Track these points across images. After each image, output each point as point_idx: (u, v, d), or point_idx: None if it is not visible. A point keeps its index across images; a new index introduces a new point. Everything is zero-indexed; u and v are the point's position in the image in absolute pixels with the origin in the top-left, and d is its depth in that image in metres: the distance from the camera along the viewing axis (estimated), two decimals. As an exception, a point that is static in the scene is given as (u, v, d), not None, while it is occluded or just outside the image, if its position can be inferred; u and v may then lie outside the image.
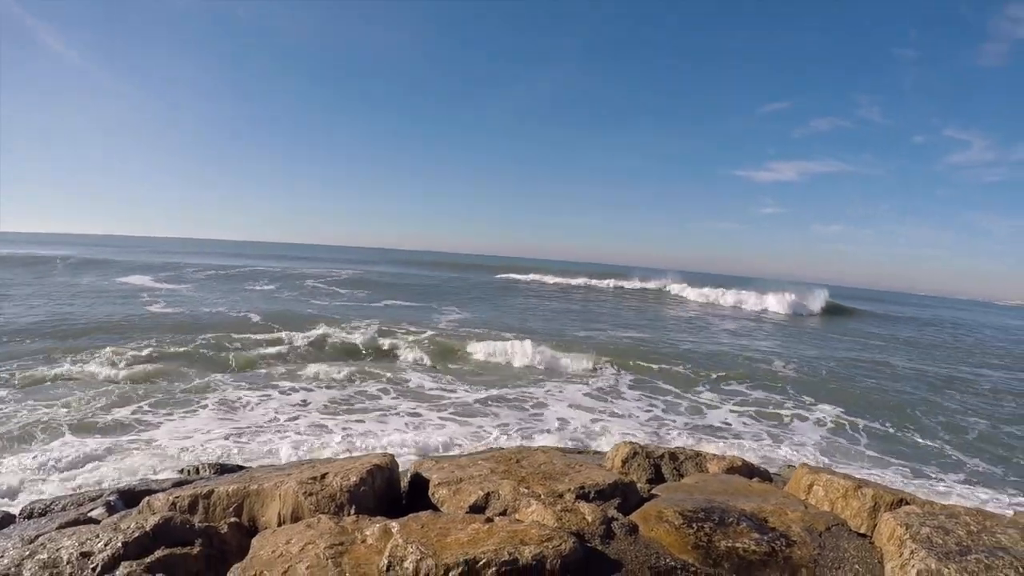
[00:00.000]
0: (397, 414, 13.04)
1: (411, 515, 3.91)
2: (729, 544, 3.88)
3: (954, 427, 15.11)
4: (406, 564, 3.23)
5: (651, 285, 59.45)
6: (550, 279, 62.35)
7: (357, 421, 12.30)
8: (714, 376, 18.54)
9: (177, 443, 10.21)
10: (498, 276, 62.84)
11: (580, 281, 61.97)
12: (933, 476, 11.48)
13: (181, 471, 8.19)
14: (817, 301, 47.45)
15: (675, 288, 56.69)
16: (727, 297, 50.54)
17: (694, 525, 4.06)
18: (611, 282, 60.73)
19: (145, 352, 16.40)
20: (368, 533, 3.64)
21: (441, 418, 12.96)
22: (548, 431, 12.44)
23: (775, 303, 46.98)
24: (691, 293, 53.83)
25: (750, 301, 48.61)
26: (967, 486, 11.09)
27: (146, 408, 12.15)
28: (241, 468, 8.09)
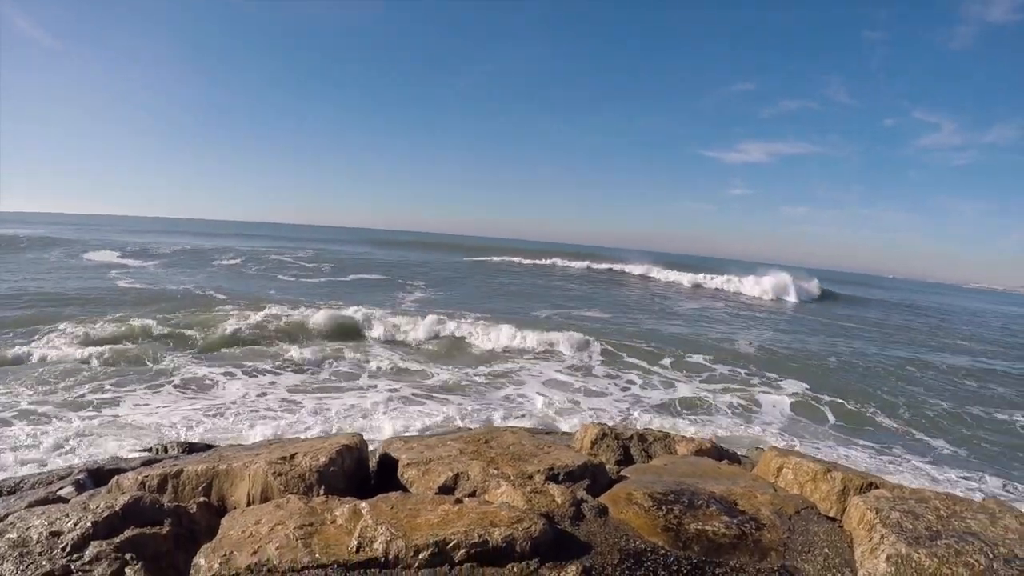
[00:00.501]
0: (363, 391, 13.07)
1: (381, 496, 3.89)
2: (699, 527, 3.90)
3: (917, 406, 15.39)
4: (376, 545, 3.22)
5: (623, 267, 58.80)
6: (519, 259, 61.46)
7: (324, 398, 12.29)
8: (680, 354, 18.74)
9: (144, 420, 10.14)
10: (467, 258, 61.82)
11: (550, 261, 61.17)
12: (897, 455, 11.71)
13: (149, 449, 8.12)
14: (787, 285, 47.57)
15: (637, 270, 56.69)
16: (695, 279, 50.78)
17: (663, 507, 4.07)
18: (585, 263, 59.76)
19: (110, 329, 16.20)
20: (338, 513, 3.61)
21: (413, 395, 13.00)
22: (513, 408, 12.54)
23: (748, 286, 47.38)
24: (660, 275, 53.88)
25: (721, 284, 49.11)
26: (931, 464, 11.34)
27: (108, 387, 12.04)
28: (210, 447, 8.04)
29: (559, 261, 61.39)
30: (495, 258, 62.52)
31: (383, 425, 10.61)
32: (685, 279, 51.21)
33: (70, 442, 8.91)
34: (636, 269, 57.14)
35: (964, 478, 10.63)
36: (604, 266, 59.54)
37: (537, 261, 61.01)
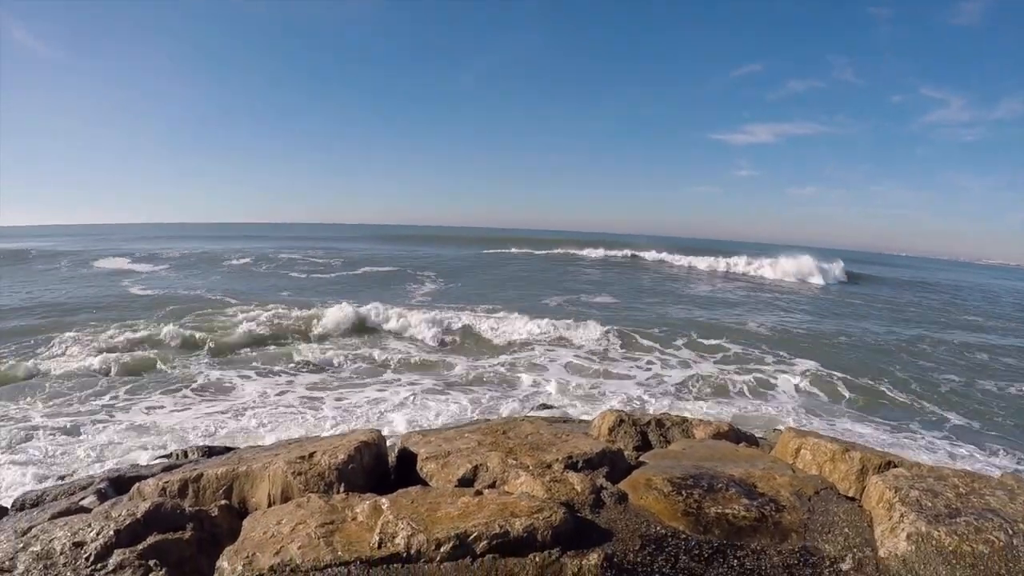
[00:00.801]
0: (383, 386, 13.10)
1: (400, 490, 3.91)
2: (719, 510, 3.90)
3: (929, 382, 15.35)
4: (397, 540, 3.23)
5: (635, 253, 57.98)
6: (529, 249, 60.23)
7: (344, 396, 12.32)
8: (695, 336, 18.89)
9: (164, 424, 10.19)
10: (480, 250, 60.52)
11: (559, 251, 59.54)
12: (913, 430, 11.68)
13: (169, 455, 8.17)
14: (813, 268, 46.73)
15: (650, 256, 56.26)
16: (717, 263, 50.12)
17: (683, 492, 4.07)
18: (600, 251, 58.50)
19: (125, 335, 16.24)
20: (358, 510, 3.63)
21: (433, 387, 13.05)
22: (532, 395, 12.59)
23: (774, 270, 46.79)
24: (679, 259, 53.29)
25: (744, 267, 48.56)
26: (945, 438, 11.33)
27: (124, 394, 12.09)
28: (229, 449, 8.08)
29: (574, 250, 60.09)
30: (512, 249, 61.41)
31: (403, 419, 10.63)
32: (703, 263, 50.65)
33: (91, 453, 8.94)
34: (652, 255, 56.50)
35: (979, 452, 10.60)
36: (623, 252, 58.65)
37: (551, 251, 59.87)
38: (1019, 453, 10.73)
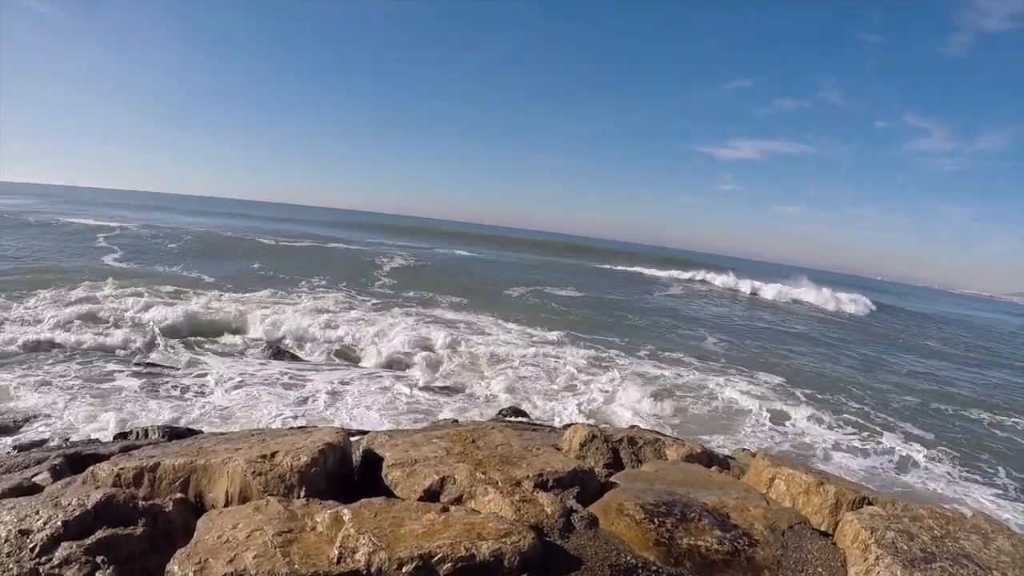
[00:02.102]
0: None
1: (364, 501, 3.76)
2: (691, 542, 3.80)
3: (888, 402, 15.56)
4: (357, 556, 3.10)
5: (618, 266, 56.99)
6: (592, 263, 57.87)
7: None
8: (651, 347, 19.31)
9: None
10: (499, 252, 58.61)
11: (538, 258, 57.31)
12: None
13: (128, 433, 7.99)
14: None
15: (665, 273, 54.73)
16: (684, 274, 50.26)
17: (655, 520, 3.97)
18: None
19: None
20: (319, 520, 3.48)
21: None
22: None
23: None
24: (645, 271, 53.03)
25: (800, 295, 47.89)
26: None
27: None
28: (192, 432, 7.91)
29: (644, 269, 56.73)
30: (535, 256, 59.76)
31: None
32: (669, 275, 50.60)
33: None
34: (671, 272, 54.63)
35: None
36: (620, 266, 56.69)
37: (621, 267, 56.71)
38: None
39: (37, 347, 13.07)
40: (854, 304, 46.08)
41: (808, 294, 46.94)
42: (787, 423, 13.46)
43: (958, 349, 32.02)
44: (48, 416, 9.44)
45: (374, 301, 22.59)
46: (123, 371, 12.14)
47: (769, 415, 13.72)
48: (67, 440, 8.15)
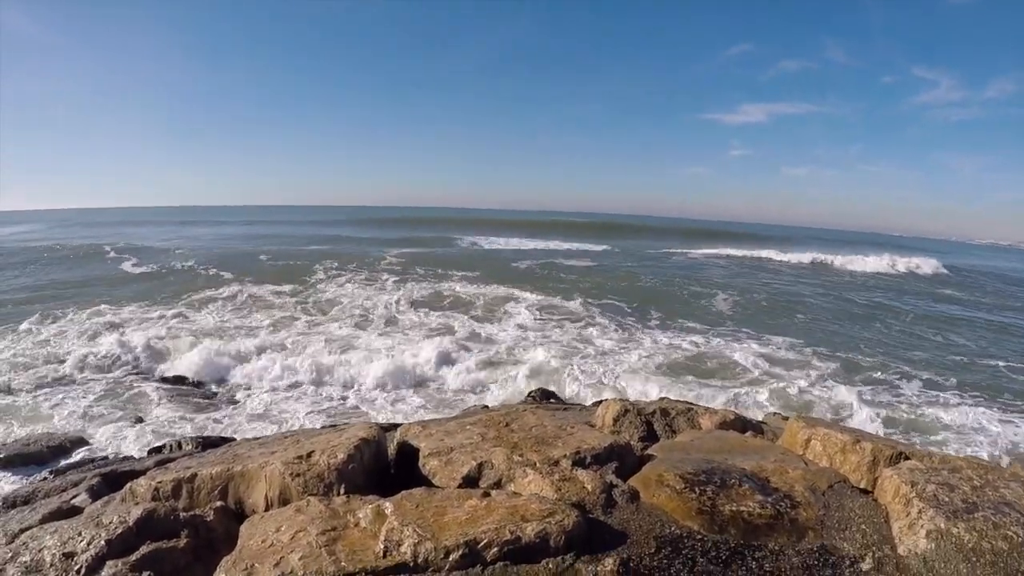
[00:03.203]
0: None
1: (404, 493, 3.76)
2: (733, 508, 3.78)
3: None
4: (403, 548, 3.10)
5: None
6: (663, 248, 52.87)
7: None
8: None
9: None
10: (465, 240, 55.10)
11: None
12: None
13: (162, 447, 8.05)
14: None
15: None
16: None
17: (696, 489, 3.95)
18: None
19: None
20: (361, 515, 3.49)
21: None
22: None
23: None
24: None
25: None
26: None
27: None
28: (225, 440, 7.97)
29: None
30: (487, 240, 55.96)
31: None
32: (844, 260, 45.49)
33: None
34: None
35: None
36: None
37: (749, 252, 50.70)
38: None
39: (60, 377, 13.14)
40: (923, 267, 43.94)
41: (868, 263, 44.42)
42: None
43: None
44: (81, 440, 9.50)
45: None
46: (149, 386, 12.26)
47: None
48: (102, 459, 8.20)
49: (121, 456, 8.24)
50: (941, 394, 13.22)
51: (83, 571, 3.21)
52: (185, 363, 13.67)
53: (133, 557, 3.31)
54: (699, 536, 3.55)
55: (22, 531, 3.85)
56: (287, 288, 23.12)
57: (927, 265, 44.64)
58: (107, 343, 14.36)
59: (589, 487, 3.94)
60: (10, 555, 3.35)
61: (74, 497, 5.54)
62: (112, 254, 33.49)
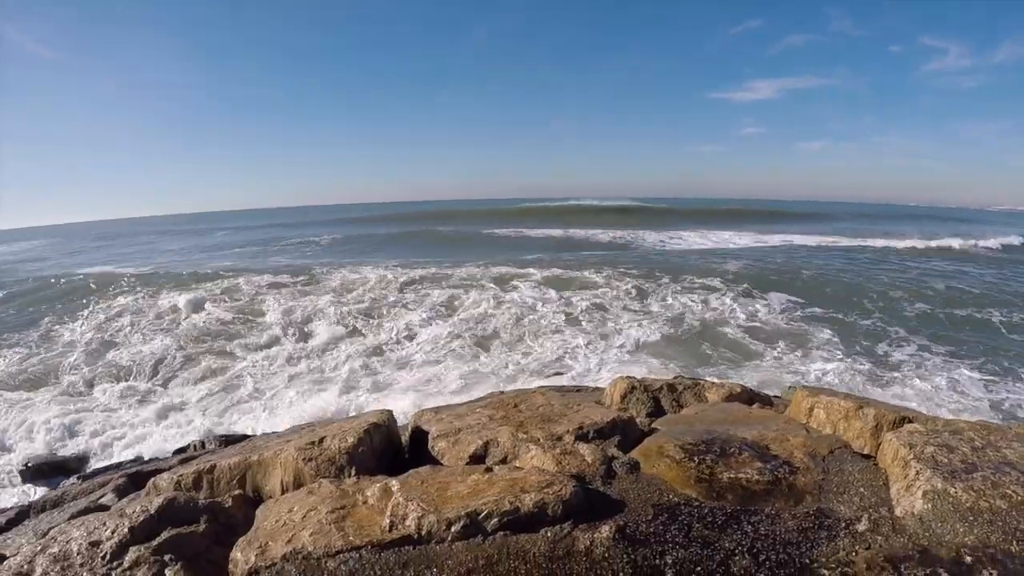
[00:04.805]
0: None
1: (411, 471, 3.91)
2: (732, 475, 3.87)
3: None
4: (408, 522, 3.23)
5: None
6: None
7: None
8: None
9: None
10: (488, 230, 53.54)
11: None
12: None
13: (186, 448, 8.24)
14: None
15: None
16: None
17: (695, 458, 4.05)
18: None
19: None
20: (369, 494, 3.63)
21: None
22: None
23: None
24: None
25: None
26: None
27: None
28: (245, 437, 8.15)
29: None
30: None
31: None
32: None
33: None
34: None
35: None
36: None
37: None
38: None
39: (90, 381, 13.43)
40: (992, 240, 40.54)
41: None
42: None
43: None
44: (106, 444, 9.74)
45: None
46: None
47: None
48: (128, 462, 8.42)
49: (147, 459, 8.45)
50: None
51: (108, 557, 3.36)
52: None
53: (155, 542, 3.45)
54: (697, 503, 3.64)
55: (50, 529, 4.03)
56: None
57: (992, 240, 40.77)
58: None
59: (589, 459, 4.06)
60: (40, 548, 3.50)
61: (101, 497, 5.73)
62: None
